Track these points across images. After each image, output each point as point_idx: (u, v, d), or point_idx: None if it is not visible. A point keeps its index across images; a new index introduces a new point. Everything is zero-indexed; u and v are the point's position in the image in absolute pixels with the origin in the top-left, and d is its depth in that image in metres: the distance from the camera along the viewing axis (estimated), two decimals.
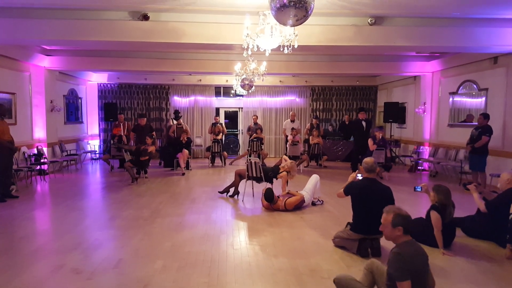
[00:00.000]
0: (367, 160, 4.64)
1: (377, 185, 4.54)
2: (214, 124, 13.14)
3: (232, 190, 7.82)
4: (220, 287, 3.76)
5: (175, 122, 12.16)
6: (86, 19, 6.85)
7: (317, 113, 15.00)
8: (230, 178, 8.38)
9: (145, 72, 13.22)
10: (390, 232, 2.87)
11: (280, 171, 7.47)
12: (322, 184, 9.01)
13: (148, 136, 10.09)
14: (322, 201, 7.26)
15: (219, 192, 7.94)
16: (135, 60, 11.20)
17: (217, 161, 12.88)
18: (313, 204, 7.17)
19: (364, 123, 10.76)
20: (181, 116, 12.45)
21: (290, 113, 13.70)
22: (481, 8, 6.52)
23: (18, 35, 6.85)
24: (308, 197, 7.01)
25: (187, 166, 11.51)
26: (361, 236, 4.53)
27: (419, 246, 2.89)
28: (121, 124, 11.86)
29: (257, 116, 13.73)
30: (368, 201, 4.36)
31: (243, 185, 7.74)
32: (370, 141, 10.05)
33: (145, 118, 11.58)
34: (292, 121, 12.96)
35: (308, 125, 13.42)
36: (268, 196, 6.68)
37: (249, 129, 13.26)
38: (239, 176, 7.74)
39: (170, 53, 10.91)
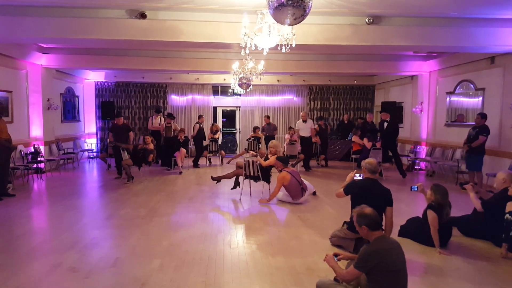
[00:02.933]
0: (371, 161, 4.63)
1: (378, 186, 4.54)
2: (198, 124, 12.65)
3: (232, 181, 7.93)
4: (217, 286, 3.76)
5: (161, 120, 12.11)
6: (84, 17, 6.82)
7: (315, 112, 14.99)
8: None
9: (143, 71, 13.18)
10: (360, 232, 3.07)
11: (269, 157, 7.59)
12: (320, 183, 9.16)
13: (147, 135, 10.09)
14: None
15: (212, 177, 8.08)
16: (133, 59, 11.18)
17: (214, 160, 12.86)
18: (314, 194, 7.69)
19: (385, 124, 10.35)
20: (172, 117, 12.33)
21: (301, 113, 12.47)
22: (478, 8, 6.54)
23: (15, 33, 6.82)
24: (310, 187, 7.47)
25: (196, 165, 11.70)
26: (358, 235, 4.54)
27: (391, 241, 3.00)
28: None
29: (268, 116, 13.62)
30: (368, 201, 4.29)
31: (241, 184, 7.74)
32: (365, 140, 10.07)
33: (122, 117, 10.63)
34: (304, 121, 11.70)
35: (316, 126, 13.02)
36: (283, 159, 7.26)
37: (263, 129, 13.18)
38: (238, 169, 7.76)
39: (167, 52, 10.89)
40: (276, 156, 7.51)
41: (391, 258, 2.86)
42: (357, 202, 4.51)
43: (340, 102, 15.35)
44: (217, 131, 12.70)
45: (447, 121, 10.53)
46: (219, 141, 13.01)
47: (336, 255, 3.29)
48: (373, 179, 4.56)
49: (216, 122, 15.13)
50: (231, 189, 7.86)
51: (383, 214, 4.36)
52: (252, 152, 7.51)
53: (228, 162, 12.63)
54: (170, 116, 12.08)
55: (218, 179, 7.93)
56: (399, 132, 10.63)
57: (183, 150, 11.12)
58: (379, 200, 4.31)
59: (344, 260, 3.43)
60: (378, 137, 10.19)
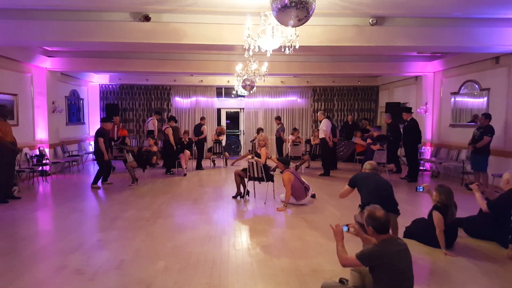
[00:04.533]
0: (370, 162, 5.07)
1: (378, 176, 5.00)
2: (197, 126, 12.51)
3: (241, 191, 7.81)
4: None
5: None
6: (88, 20, 6.86)
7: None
8: (232, 179, 8.36)
9: (147, 73, 13.25)
10: (367, 230, 3.04)
11: (259, 150, 7.63)
12: (324, 184, 9.18)
13: (150, 137, 10.10)
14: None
15: (233, 197, 7.76)
16: (137, 61, 11.22)
17: (218, 162, 12.87)
18: (313, 196, 7.52)
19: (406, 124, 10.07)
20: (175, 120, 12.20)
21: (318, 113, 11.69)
22: (482, 8, 6.51)
23: (20, 37, 6.86)
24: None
25: (199, 166, 11.78)
26: None
27: (399, 243, 2.95)
28: (115, 126, 11.45)
29: (279, 117, 13.54)
30: (375, 187, 4.70)
31: (245, 184, 7.73)
32: (369, 142, 10.03)
33: (111, 123, 9.71)
34: (320, 121, 11.06)
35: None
36: (284, 160, 7.33)
37: (277, 131, 13.17)
38: (239, 176, 7.69)
39: (171, 54, 10.93)
40: (266, 147, 7.56)
41: (397, 260, 2.84)
42: (366, 187, 4.72)
43: (344, 103, 15.33)
44: (221, 133, 12.66)
45: (451, 122, 10.48)
46: (223, 143, 12.99)
47: (348, 226, 3.25)
48: (374, 172, 4.95)
49: (220, 124, 15.13)
50: (241, 197, 7.71)
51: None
52: (249, 156, 7.47)
53: (232, 164, 12.65)
54: (173, 119, 12.05)
55: (240, 194, 7.67)
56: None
57: (187, 152, 11.13)
58: (385, 184, 4.74)
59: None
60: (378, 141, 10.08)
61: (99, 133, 8.94)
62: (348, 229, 3.25)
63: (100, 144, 8.76)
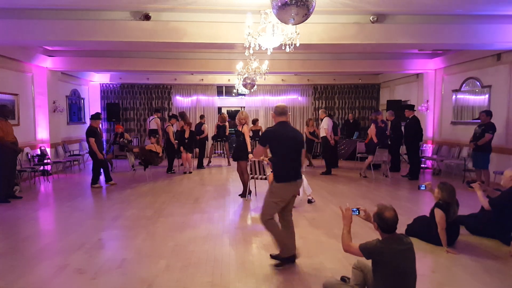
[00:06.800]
0: (279, 104, 4.35)
1: (288, 127, 4.31)
2: (198, 125, 12.37)
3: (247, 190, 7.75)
4: (223, 286, 3.76)
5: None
6: (88, 19, 6.87)
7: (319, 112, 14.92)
8: (233, 178, 8.37)
9: (147, 72, 13.26)
10: (373, 225, 3.01)
11: (239, 127, 7.52)
12: (325, 183, 9.10)
13: (151, 136, 10.11)
14: (314, 200, 7.25)
15: (240, 195, 7.78)
16: (137, 60, 11.23)
17: (219, 161, 12.85)
18: (309, 202, 7.19)
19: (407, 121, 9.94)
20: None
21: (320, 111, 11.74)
22: (484, 5, 6.49)
23: (20, 36, 6.87)
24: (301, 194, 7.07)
25: (200, 165, 11.82)
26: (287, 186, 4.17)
27: (403, 242, 2.91)
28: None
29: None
30: (285, 147, 4.14)
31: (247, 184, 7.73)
32: (372, 130, 9.85)
33: (98, 120, 9.05)
34: (321, 119, 11.17)
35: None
36: None
37: None
38: (242, 174, 7.68)
39: (172, 53, 10.92)
40: (246, 125, 7.45)
41: (399, 259, 2.83)
42: (278, 151, 4.16)
43: (345, 101, 15.31)
44: (224, 120, 12.47)
45: (453, 120, 10.46)
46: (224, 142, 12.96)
47: (358, 209, 3.24)
48: (282, 122, 4.23)
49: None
50: (239, 195, 7.77)
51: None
52: (250, 155, 7.40)
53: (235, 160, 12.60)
54: (175, 117, 12.04)
55: (249, 192, 7.69)
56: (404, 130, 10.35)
57: (188, 155, 11.14)
58: (294, 141, 4.16)
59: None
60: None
61: (89, 133, 8.69)
62: (359, 212, 3.23)
63: (91, 144, 8.59)
